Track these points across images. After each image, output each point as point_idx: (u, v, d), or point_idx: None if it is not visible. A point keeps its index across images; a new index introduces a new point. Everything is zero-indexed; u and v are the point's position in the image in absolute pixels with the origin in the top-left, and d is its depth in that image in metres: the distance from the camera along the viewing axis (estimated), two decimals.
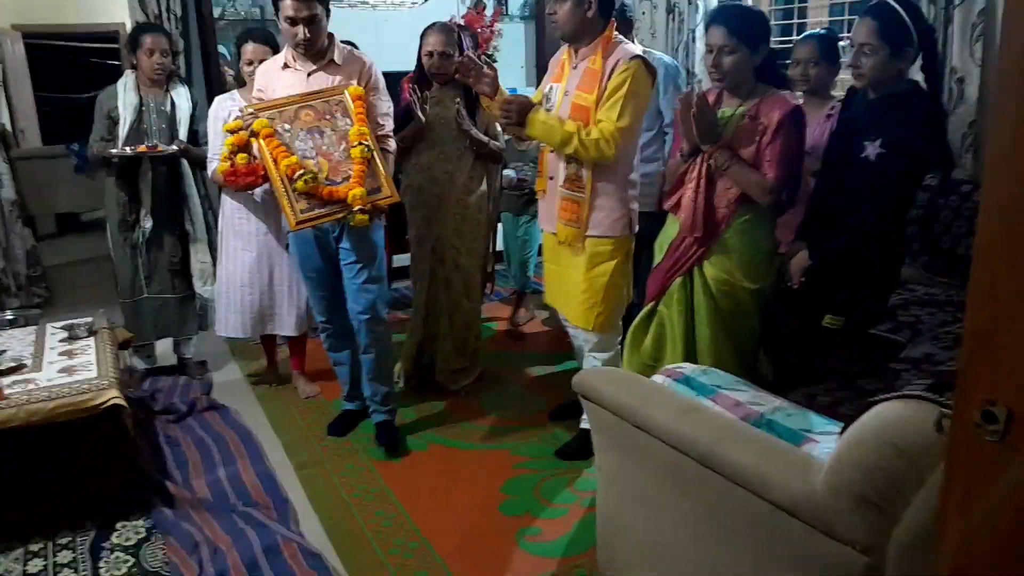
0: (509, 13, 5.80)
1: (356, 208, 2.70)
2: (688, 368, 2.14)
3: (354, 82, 2.87)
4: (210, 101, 3.53)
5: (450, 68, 3.25)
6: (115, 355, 2.88)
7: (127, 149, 3.40)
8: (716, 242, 2.47)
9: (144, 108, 3.49)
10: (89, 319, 3.24)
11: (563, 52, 2.82)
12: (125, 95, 3.47)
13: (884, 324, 2.88)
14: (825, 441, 1.65)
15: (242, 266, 3.42)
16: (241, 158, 2.90)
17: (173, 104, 3.53)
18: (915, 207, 3.31)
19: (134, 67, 3.53)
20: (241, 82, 3.47)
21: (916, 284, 3.22)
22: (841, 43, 2.70)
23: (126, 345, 3.28)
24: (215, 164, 3.21)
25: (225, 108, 3.31)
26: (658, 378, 2.06)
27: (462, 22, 5.52)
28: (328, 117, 2.79)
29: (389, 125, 2.99)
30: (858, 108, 2.49)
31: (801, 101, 2.64)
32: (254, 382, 3.80)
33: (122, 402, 2.51)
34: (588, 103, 2.61)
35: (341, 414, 3.34)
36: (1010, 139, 0.90)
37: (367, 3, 5.51)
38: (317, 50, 2.83)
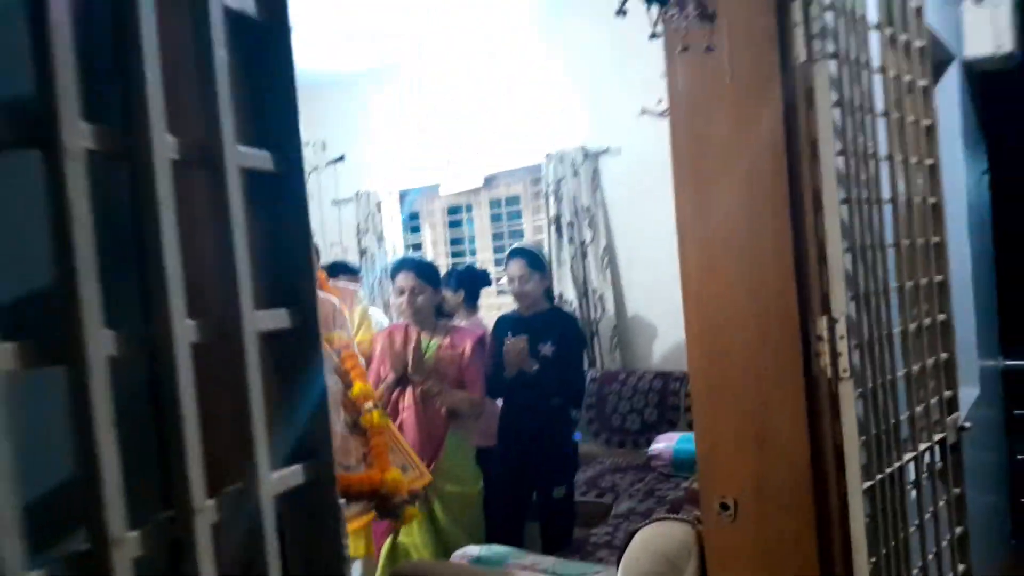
0: None
1: (399, 500, 2.05)
2: (473, 551, 2.54)
3: (335, 330, 2.26)
4: None
5: None
6: None
7: None
8: (440, 457, 2.92)
9: None
10: None
11: None
12: None
13: (591, 493, 3.59)
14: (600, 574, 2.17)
15: None
16: None
17: None
18: (588, 396, 4.22)
19: None
20: None
21: (603, 457, 4.04)
22: (499, 280, 3.41)
23: None
24: None
25: None
26: (456, 560, 2.43)
27: None
28: None
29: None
30: (515, 326, 3.19)
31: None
32: None
33: None
34: None
35: None
36: (697, 321, 1.59)
37: None
38: None
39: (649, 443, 3.81)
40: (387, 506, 2.00)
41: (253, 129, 0.43)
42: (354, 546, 2.78)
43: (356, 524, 2.05)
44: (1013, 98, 4.22)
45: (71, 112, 0.32)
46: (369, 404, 2.18)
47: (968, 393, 3.03)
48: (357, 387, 2.21)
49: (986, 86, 3.92)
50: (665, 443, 3.72)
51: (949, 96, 3.37)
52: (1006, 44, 3.42)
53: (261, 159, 0.43)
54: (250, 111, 0.43)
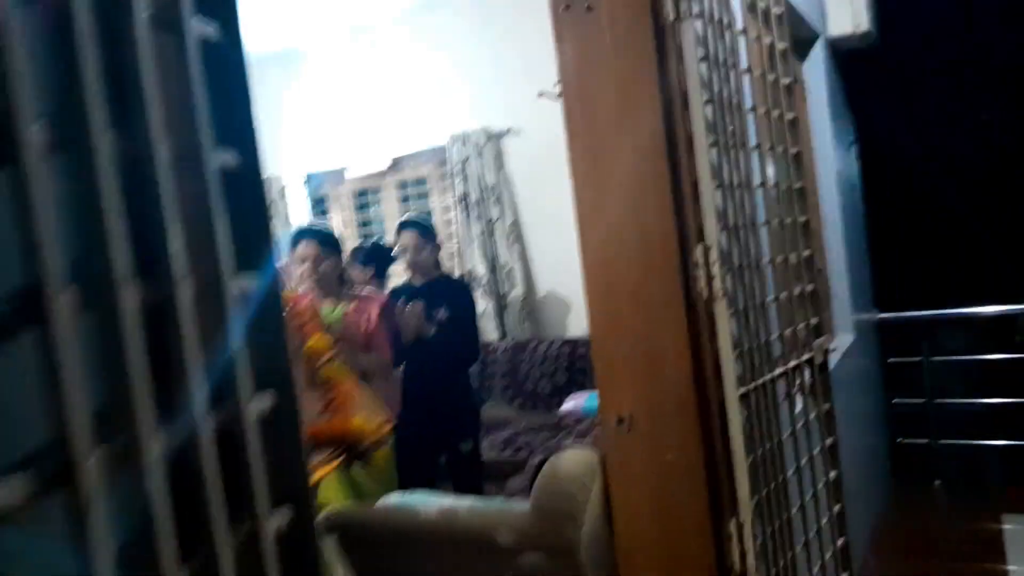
0: None
1: (366, 445, 2.19)
2: (393, 498, 2.65)
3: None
4: None
5: None
6: None
7: None
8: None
9: None
10: None
11: None
12: None
13: (508, 451, 3.75)
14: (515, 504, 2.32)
15: None
16: None
17: None
18: (501, 363, 4.38)
19: None
20: None
21: (517, 420, 4.21)
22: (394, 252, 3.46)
23: None
24: None
25: None
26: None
27: None
28: None
29: None
30: (410, 296, 3.25)
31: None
32: None
33: None
34: None
35: None
36: (592, 257, 1.76)
37: None
38: None
39: (560, 405, 4.02)
40: (355, 452, 2.10)
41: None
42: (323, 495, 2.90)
43: (324, 471, 2.10)
44: (874, 75, 4.61)
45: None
46: (325, 357, 2.22)
47: (844, 340, 3.36)
48: (312, 341, 2.24)
49: (851, 64, 4.26)
50: (575, 401, 3.93)
51: (816, 71, 3.68)
52: (863, 23, 3.75)
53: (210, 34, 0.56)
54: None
